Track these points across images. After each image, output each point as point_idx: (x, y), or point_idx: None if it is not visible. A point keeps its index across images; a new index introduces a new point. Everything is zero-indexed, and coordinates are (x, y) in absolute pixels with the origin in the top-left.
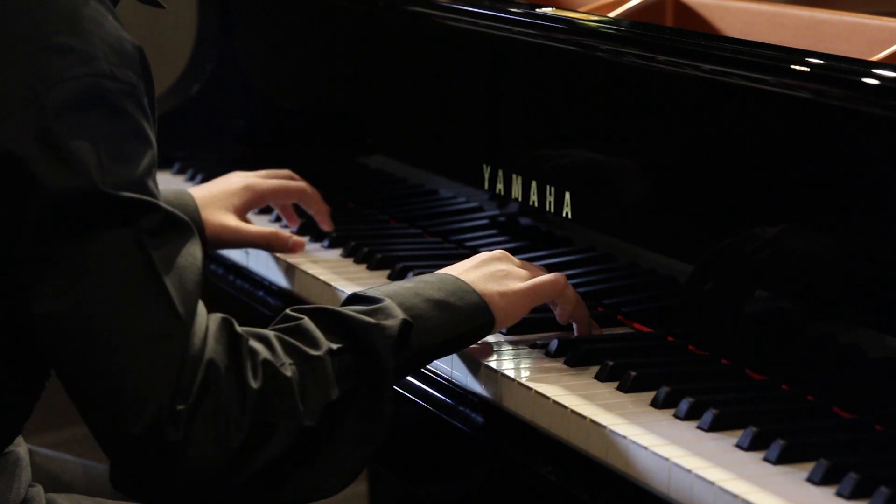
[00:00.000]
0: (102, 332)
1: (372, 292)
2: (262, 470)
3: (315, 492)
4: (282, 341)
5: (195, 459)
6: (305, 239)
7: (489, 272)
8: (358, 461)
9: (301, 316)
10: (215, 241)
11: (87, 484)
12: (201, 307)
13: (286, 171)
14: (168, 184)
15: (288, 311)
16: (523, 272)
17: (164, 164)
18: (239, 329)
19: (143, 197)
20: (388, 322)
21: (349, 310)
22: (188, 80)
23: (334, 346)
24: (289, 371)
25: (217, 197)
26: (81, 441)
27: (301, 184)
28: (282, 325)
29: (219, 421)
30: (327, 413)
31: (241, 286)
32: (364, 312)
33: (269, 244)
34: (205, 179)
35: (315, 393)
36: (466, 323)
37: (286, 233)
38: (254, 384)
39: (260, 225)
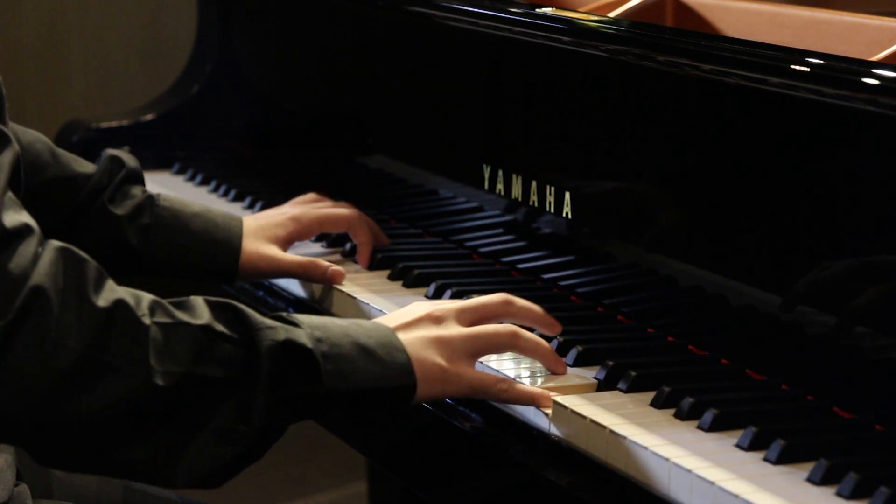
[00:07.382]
0: None
1: (299, 318)
2: (98, 414)
3: (159, 472)
4: (157, 303)
5: (13, 372)
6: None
7: (428, 337)
8: (216, 460)
9: (199, 297)
10: (252, 269)
11: (99, 496)
12: (35, 234)
13: (341, 206)
14: (168, 184)
15: (192, 297)
16: (463, 334)
17: (164, 164)
18: (83, 254)
19: None
20: (284, 331)
21: (255, 312)
22: (188, 80)
23: (218, 329)
24: (148, 321)
25: (262, 227)
26: None
27: (348, 213)
28: (172, 299)
29: (45, 340)
30: (189, 386)
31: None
32: (271, 317)
33: (305, 273)
34: (205, 179)
35: (178, 358)
36: (390, 379)
37: (324, 262)
38: (99, 305)
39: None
